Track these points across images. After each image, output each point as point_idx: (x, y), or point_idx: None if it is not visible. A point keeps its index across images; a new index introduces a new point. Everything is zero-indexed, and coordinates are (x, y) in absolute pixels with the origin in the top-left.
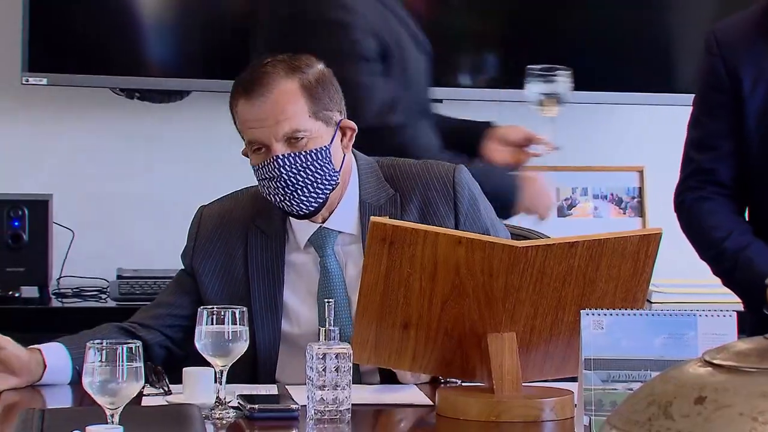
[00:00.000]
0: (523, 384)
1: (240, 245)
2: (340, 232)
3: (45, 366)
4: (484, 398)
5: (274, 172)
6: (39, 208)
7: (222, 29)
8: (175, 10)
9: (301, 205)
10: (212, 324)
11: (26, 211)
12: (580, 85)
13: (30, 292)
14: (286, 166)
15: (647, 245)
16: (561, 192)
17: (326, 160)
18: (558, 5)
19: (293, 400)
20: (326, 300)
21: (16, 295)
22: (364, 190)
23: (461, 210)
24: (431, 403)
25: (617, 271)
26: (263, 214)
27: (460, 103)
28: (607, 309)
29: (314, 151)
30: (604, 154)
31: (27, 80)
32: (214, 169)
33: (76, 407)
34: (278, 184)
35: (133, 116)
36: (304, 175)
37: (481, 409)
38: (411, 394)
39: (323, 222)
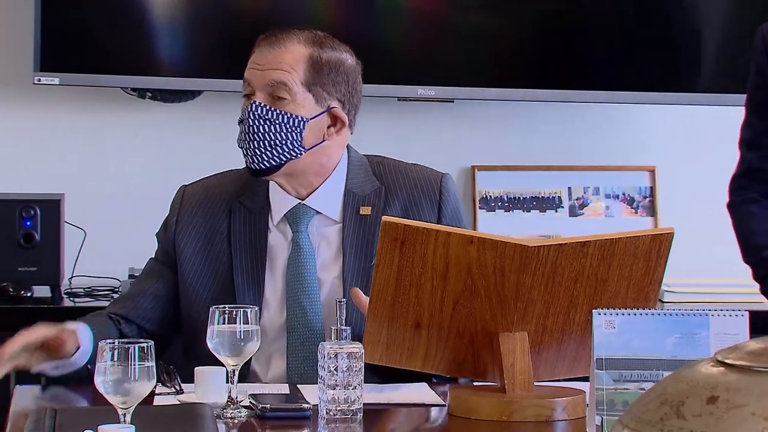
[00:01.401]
0: (535, 383)
1: (223, 221)
2: (318, 212)
3: (78, 347)
4: (496, 398)
5: (246, 114)
6: (51, 208)
7: (234, 28)
8: (187, 9)
9: (255, 157)
10: (224, 323)
11: (38, 211)
12: (592, 85)
13: (42, 291)
14: (256, 113)
15: (659, 245)
16: (573, 191)
17: (297, 129)
18: (573, 4)
19: (305, 399)
20: (337, 300)
21: (29, 294)
22: (350, 181)
23: (444, 214)
24: (443, 402)
25: (629, 270)
26: (247, 191)
27: (474, 102)
28: (619, 309)
29: (289, 115)
30: (616, 154)
31: (39, 80)
32: (225, 168)
33: (88, 407)
34: (244, 127)
35: (145, 116)
36: (266, 130)
37: (493, 409)
38: (422, 393)
39: (303, 199)
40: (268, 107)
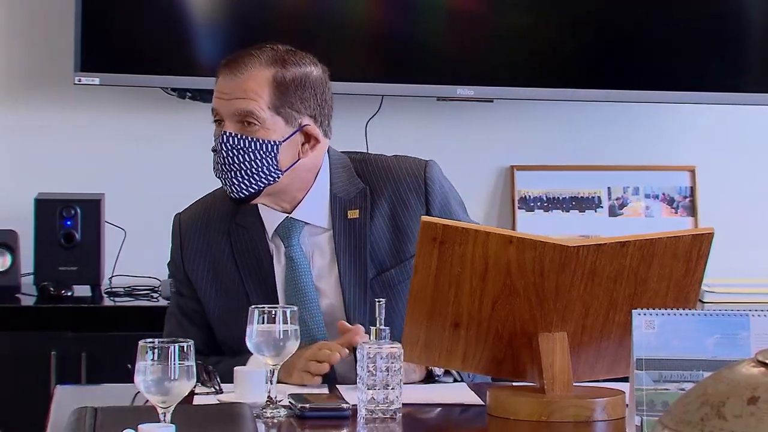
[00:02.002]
0: (574, 384)
1: (225, 243)
2: (306, 223)
3: None
4: (535, 398)
5: (219, 146)
6: (91, 208)
7: (273, 28)
8: (227, 9)
9: (233, 187)
10: (263, 323)
11: (79, 211)
12: (632, 84)
13: (82, 291)
14: (229, 144)
15: (699, 245)
16: (612, 191)
17: (270, 154)
18: (612, 3)
19: (344, 399)
20: (377, 300)
21: (69, 293)
22: (334, 185)
23: (433, 205)
24: (482, 402)
25: (669, 270)
26: (240, 210)
27: (513, 102)
28: (659, 309)
29: (261, 141)
30: (656, 154)
31: (79, 80)
32: None
33: (128, 406)
34: (218, 158)
35: (185, 116)
36: (241, 159)
37: (532, 409)
38: (461, 393)
39: (290, 213)
40: (239, 136)
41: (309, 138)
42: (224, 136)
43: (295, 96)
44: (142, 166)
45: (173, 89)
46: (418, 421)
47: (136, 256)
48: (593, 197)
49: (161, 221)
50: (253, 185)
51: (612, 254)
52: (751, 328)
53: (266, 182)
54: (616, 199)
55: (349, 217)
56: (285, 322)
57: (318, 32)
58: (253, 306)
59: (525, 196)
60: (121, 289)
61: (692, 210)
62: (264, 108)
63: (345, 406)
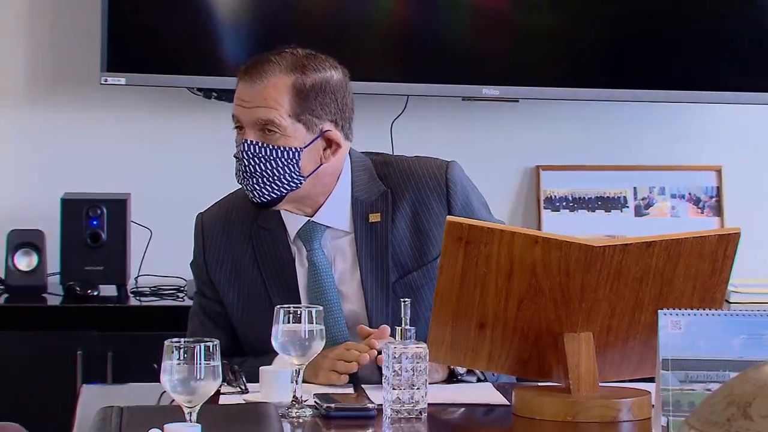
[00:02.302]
0: (600, 384)
1: (247, 245)
2: (328, 227)
3: None
4: (561, 398)
5: (241, 153)
6: (117, 208)
7: (299, 28)
8: (253, 9)
9: (255, 193)
10: (289, 323)
11: (105, 211)
12: (659, 84)
13: (108, 290)
14: (250, 152)
15: (726, 245)
16: (638, 191)
17: (293, 161)
18: (638, 3)
19: (369, 399)
20: (403, 300)
21: (95, 293)
22: (356, 188)
23: (455, 207)
24: (507, 402)
25: (695, 271)
26: (262, 212)
27: (539, 102)
28: (685, 309)
29: (282, 148)
30: (682, 154)
31: (106, 80)
32: None
33: (154, 405)
34: (241, 166)
35: (211, 116)
36: (264, 167)
37: (558, 409)
38: (487, 393)
39: (311, 216)
40: (260, 144)
41: (330, 143)
42: (245, 144)
43: (315, 102)
44: (167, 166)
45: (199, 89)
46: (443, 421)
47: (162, 256)
48: (619, 197)
49: (187, 221)
50: (275, 191)
51: (638, 254)
52: None
53: (289, 188)
54: (642, 199)
55: (370, 220)
56: (311, 321)
57: (343, 32)
58: (278, 306)
59: (550, 196)
60: (147, 289)
61: (718, 210)
62: (284, 116)
63: (371, 406)
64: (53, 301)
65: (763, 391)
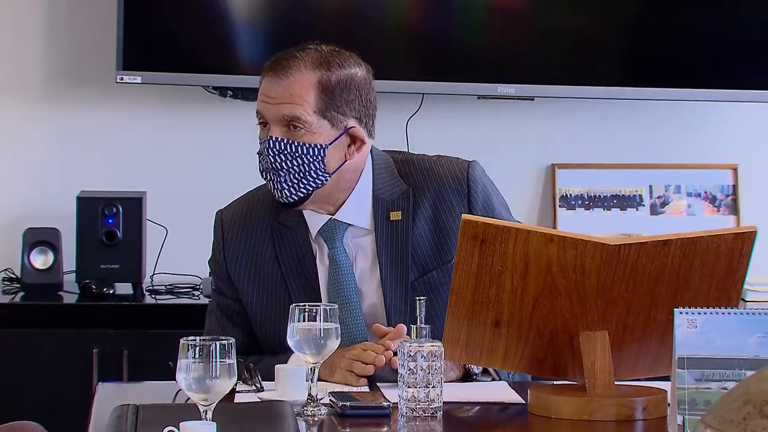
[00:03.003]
0: (616, 383)
1: (268, 243)
2: (350, 224)
3: None
4: (577, 397)
5: (265, 150)
6: (133, 206)
7: (314, 26)
8: (268, 8)
9: (282, 191)
10: (304, 321)
11: (120, 209)
12: (674, 82)
13: (124, 288)
14: (275, 149)
15: (742, 243)
16: (654, 189)
17: (318, 158)
18: (654, 2)
19: (385, 397)
20: (418, 298)
21: (111, 291)
22: (377, 186)
23: (475, 206)
24: (523, 401)
25: (711, 269)
26: (283, 208)
27: (554, 100)
28: (701, 308)
29: (307, 145)
30: (698, 152)
31: (121, 78)
32: None
33: (170, 403)
34: (265, 163)
35: (226, 114)
36: (289, 164)
37: (574, 408)
38: (502, 391)
39: (333, 214)
40: (285, 141)
41: (355, 140)
42: (270, 141)
43: (340, 99)
44: (183, 164)
45: (214, 87)
46: (458, 420)
47: (178, 254)
48: (635, 195)
49: (203, 219)
50: (302, 189)
51: (654, 253)
52: None
53: (314, 186)
54: (658, 198)
55: (391, 219)
56: (326, 320)
57: (359, 30)
58: (294, 304)
59: (566, 195)
60: (163, 287)
61: (734, 208)
62: (310, 112)
63: (386, 404)
64: (69, 299)
65: None
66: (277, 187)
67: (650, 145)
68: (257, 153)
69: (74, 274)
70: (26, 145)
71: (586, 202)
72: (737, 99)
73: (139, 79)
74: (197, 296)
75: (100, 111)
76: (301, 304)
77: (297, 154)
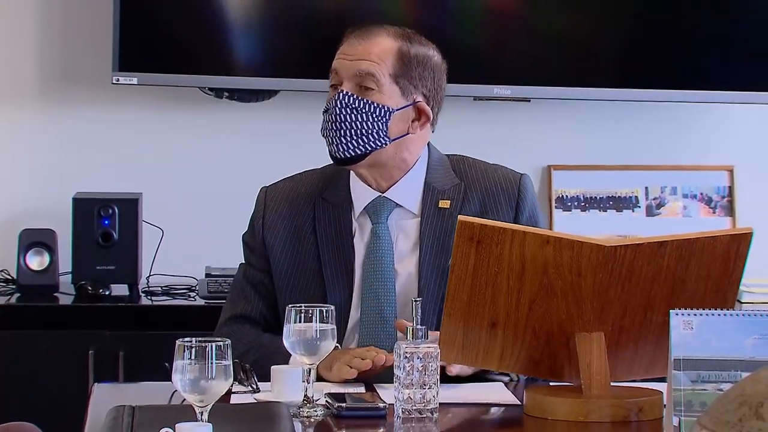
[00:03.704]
0: (612, 384)
1: (308, 216)
2: (398, 204)
3: None
4: (572, 398)
5: (332, 103)
6: (129, 207)
7: (310, 28)
8: (264, 9)
9: (339, 146)
10: (300, 322)
11: (116, 210)
12: (670, 84)
13: (120, 290)
14: (343, 102)
15: (738, 245)
16: (650, 191)
17: (383, 119)
18: (649, 3)
19: (381, 398)
20: (413, 299)
21: (107, 292)
22: (430, 175)
23: (523, 214)
24: (518, 402)
25: (707, 271)
26: (329, 186)
27: (551, 102)
28: (697, 309)
29: (375, 105)
30: (694, 154)
31: (117, 80)
32: (302, 168)
33: (166, 404)
34: (330, 116)
35: (222, 115)
36: (353, 119)
37: (570, 409)
38: (498, 392)
39: (383, 192)
40: (355, 96)
41: (420, 115)
42: (340, 94)
43: (415, 71)
44: (179, 166)
45: (210, 89)
46: (454, 421)
47: (174, 256)
48: (631, 197)
49: (198, 220)
50: (360, 147)
51: (650, 254)
52: None
53: (373, 146)
54: (654, 199)
55: (440, 206)
56: (322, 321)
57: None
58: (289, 305)
59: (562, 196)
60: (159, 289)
61: (730, 210)
62: (385, 74)
63: (382, 405)
64: (65, 300)
65: None
66: (336, 142)
67: (646, 147)
68: (323, 112)
69: (70, 275)
70: (22, 146)
71: (582, 204)
72: (733, 101)
73: (135, 80)
74: (193, 297)
75: (96, 112)
76: (297, 305)
77: (363, 111)
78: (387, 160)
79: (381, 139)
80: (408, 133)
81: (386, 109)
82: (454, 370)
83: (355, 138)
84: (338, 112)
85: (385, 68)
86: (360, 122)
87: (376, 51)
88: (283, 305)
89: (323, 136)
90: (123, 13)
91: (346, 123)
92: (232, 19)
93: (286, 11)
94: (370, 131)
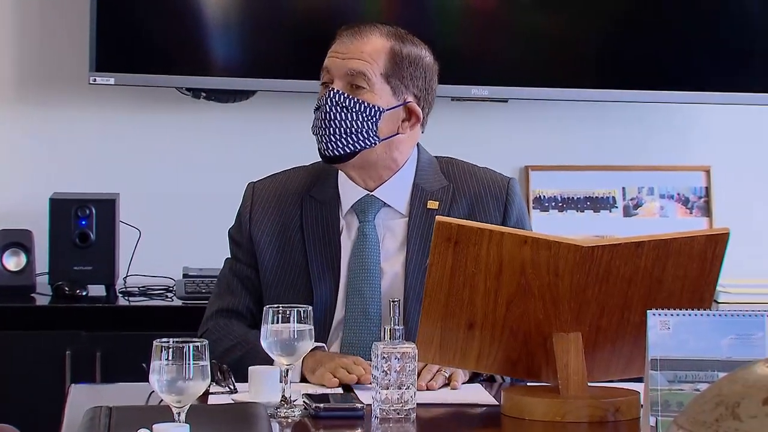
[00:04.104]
0: (589, 384)
1: (296, 213)
2: (386, 204)
3: None
4: (550, 398)
5: (323, 101)
6: (106, 208)
7: (288, 28)
8: (242, 10)
9: (329, 144)
10: (278, 323)
11: (93, 211)
12: (648, 84)
13: (97, 290)
14: (334, 100)
15: (714, 245)
16: (627, 191)
17: (373, 119)
18: (627, 4)
19: (358, 399)
20: (391, 300)
21: (84, 293)
22: (419, 176)
23: (510, 217)
24: (496, 402)
25: (684, 271)
26: (317, 183)
27: (528, 102)
28: (674, 309)
29: (366, 104)
30: (671, 154)
31: (94, 80)
32: (280, 168)
33: (143, 405)
34: (321, 114)
35: (200, 116)
36: (343, 117)
37: (547, 409)
38: (476, 393)
39: (371, 191)
40: (345, 95)
41: (410, 115)
42: (331, 92)
43: (407, 71)
44: (156, 166)
45: (188, 89)
46: (432, 421)
47: (151, 256)
48: (608, 197)
49: (176, 221)
50: (350, 145)
51: (627, 254)
52: (766, 328)
53: (363, 145)
54: (631, 200)
55: (428, 207)
56: (299, 321)
57: (332, 32)
58: (267, 306)
59: (540, 196)
60: (136, 289)
61: (707, 210)
62: (376, 73)
63: (359, 406)
64: (42, 301)
65: (752, 392)
66: (325, 140)
67: (623, 147)
68: (314, 109)
69: (47, 275)
70: None
71: (560, 204)
72: (710, 101)
73: (112, 81)
74: (170, 298)
75: (73, 112)
76: (275, 305)
77: (354, 110)
78: (376, 160)
79: (371, 138)
80: (398, 133)
81: (377, 108)
82: (459, 385)
83: (344, 137)
84: (328, 110)
85: (376, 67)
86: (350, 121)
87: (368, 50)
88: (270, 301)
89: (313, 134)
90: (100, 12)
91: (336, 121)
92: (209, 19)
93: (264, 11)
94: (359, 130)
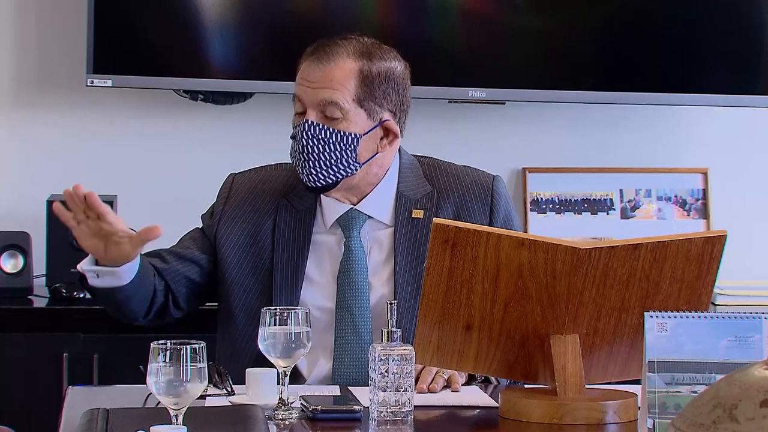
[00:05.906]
0: (586, 386)
1: (269, 217)
2: (370, 217)
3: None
4: (547, 400)
5: (299, 134)
6: None
7: (285, 30)
8: (239, 11)
9: (311, 176)
10: (275, 325)
11: None
12: (645, 86)
13: None
14: (309, 133)
15: (712, 247)
16: (625, 193)
17: (351, 146)
18: (624, 6)
19: (356, 401)
20: (388, 301)
21: (81, 295)
22: (402, 184)
23: (497, 218)
24: (494, 404)
25: (681, 273)
26: (296, 190)
27: (526, 104)
28: (672, 311)
29: (342, 133)
30: (668, 156)
31: (92, 82)
32: None
33: (140, 407)
34: (298, 146)
35: (197, 118)
36: (321, 149)
37: (544, 412)
38: (474, 395)
39: (355, 205)
40: (320, 126)
41: (388, 133)
42: (305, 124)
43: (379, 90)
44: (154, 168)
45: (185, 91)
46: (429, 423)
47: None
48: (605, 199)
49: (173, 223)
50: (331, 176)
51: (624, 257)
52: (763, 330)
53: (344, 174)
54: (629, 202)
55: (413, 216)
56: (297, 324)
57: (330, 34)
58: (265, 308)
59: (537, 199)
60: None
61: (705, 212)
62: (348, 99)
63: (357, 407)
64: (39, 303)
65: (749, 394)
66: (306, 172)
67: (621, 149)
68: (290, 137)
69: (44, 277)
70: None
71: (557, 206)
72: (707, 103)
73: (109, 83)
74: None
75: (70, 114)
76: (272, 308)
77: (331, 141)
78: (358, 182)
79: (351, 166)
80: (377, 153)
81: (353, 136)
82: (459, 387)
83: (324, 168)
84: (305, 143)
85: (348, 94)
86: (328, 152)
87: (337, 76)
88: (225, 297)
89: (293, 162)
90: (97, 15)
91: (314, 153)
92: (206, 21)
93: (261, 13)
94: (339, 160)
